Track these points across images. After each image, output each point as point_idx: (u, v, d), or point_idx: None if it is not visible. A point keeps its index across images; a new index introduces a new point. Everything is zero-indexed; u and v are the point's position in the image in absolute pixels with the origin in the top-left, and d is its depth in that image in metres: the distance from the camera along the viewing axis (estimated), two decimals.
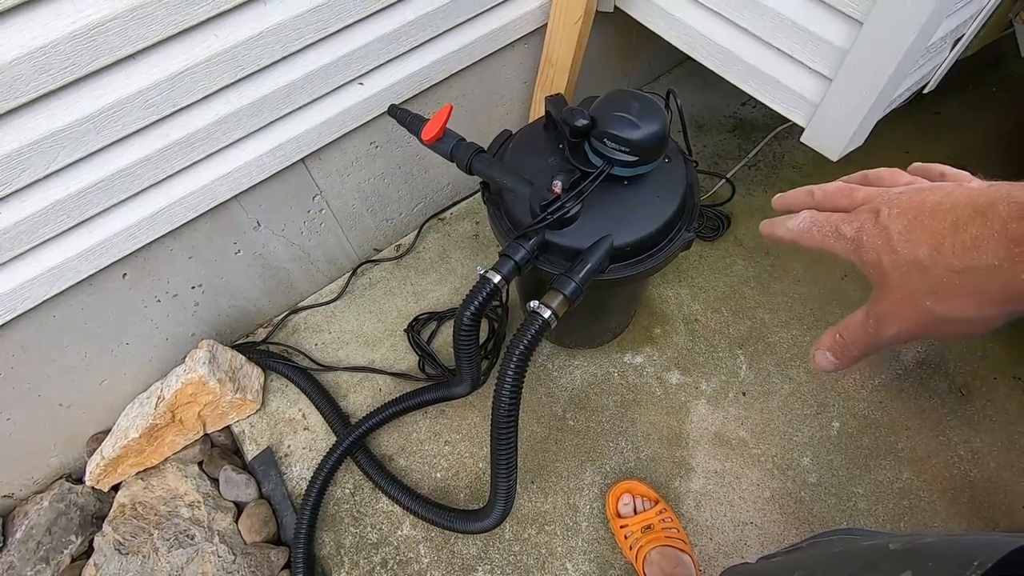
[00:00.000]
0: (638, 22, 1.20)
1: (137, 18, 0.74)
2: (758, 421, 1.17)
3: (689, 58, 1.15)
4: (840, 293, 1.31)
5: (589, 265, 0.81)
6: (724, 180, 1.49)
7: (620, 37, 1.42)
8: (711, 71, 1.11)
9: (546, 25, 1.19)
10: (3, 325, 0.91)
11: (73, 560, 1.12)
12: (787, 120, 1.05)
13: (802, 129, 1.03)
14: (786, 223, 0.40)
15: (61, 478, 1.22)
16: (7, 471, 1.13)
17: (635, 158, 0.79)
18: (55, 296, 0.93)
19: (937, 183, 0.35)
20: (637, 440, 1.16)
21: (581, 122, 0.78)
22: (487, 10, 1.10)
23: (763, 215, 1.44)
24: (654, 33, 1.19)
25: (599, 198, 0.83)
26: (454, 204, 1.49)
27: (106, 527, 1.10)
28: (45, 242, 0.88)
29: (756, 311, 1.30)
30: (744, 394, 1.20)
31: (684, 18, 1.11)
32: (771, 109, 1.06)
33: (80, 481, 1.19)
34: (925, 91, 1.07)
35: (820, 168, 1.21)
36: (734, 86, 1.08)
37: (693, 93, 1.68)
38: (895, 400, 1.18)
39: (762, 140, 1.55)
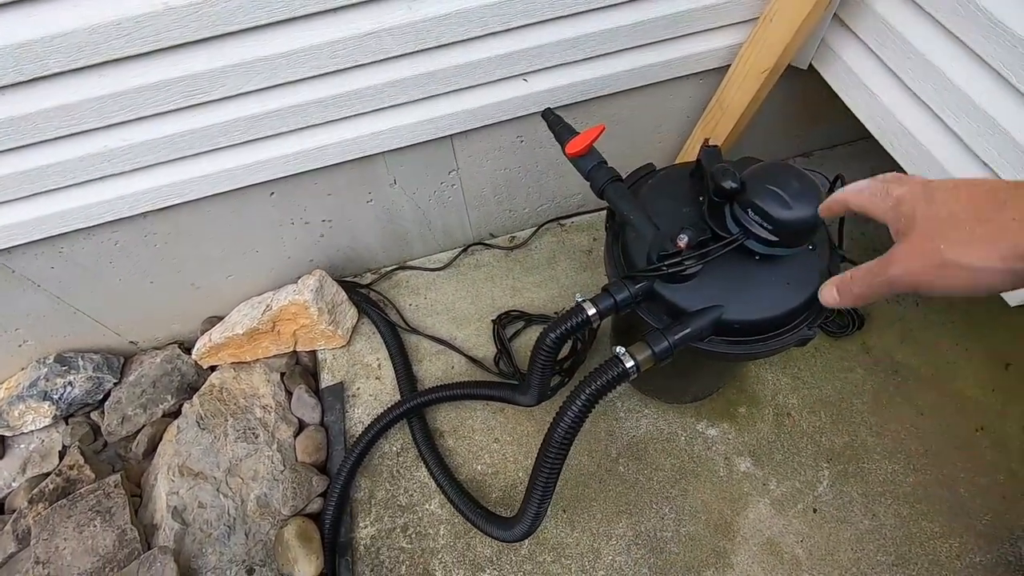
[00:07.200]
0: (830, 87, 1.10)
1: None
2: (821, 546, 1.06)
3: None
4: (970, 446, 1.13)
5: (688, 330, 0.77)
6: None
7: (805, 98, 1.30)
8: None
9: (729, 67, 1.13)
10: (171, 207, 1.06)
11: (163, 415, 1.29)
12: None
13: None
14: (846, 189, 0.48)
15: (175, 343, 1.40)
16: (138, 323, 1.31)
17: (775, 239, 0.73)
18: (215, 195, 1.06)
19: None
20: (682, 513, 1.10)
21: (729, 184, 0.74)
22: (673, 39, 1.06)
23: (904, 326, 1.28)
24: (843, 101, 1.08)
25: (723, 265, 0.78)
26: (578, 214, 1.48)
27: (195, 399, 1.25)
28: (220, 149, 0.99)
29: (859, 429, 1.16)
30: (815, 511, 1.09)
31: (881, 96, 1.00)
32: None
33: (188, 351, 1.36)
34: None
35: (986, 309, 1.02)
36: None
37: (866, 174, 1.51)
38: None
39: None
